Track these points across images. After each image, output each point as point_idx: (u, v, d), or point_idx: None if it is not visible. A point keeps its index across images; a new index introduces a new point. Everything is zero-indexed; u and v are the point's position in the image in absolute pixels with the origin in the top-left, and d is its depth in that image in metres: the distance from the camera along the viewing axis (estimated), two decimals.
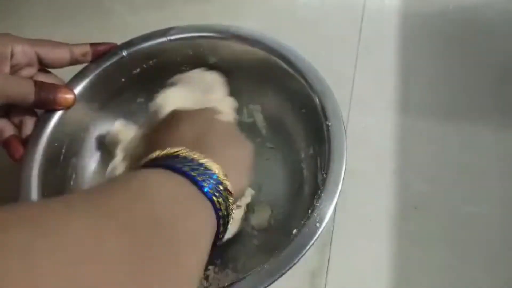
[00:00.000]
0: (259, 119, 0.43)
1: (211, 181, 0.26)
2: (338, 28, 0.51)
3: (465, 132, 0.43)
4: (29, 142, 0.35)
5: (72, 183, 0.38)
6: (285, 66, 0.38)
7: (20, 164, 0.35)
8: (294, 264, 0.29)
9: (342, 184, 0.32)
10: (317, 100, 0.35)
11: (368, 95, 0.46)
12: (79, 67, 0.39)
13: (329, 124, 0.34)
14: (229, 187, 0.27)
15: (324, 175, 0.32)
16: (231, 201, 0.27)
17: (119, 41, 0.40)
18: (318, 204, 0.31)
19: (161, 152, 0.27)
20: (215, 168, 0.26)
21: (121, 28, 0.53)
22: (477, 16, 0.51)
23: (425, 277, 0.36)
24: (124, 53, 0.39)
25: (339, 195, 0.31)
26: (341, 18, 0.52)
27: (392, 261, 0.37)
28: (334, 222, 0.39)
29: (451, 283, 0.36)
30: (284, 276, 0.29)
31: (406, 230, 0.38)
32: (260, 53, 0.39)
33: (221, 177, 0.26)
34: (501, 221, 0.38)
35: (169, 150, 0.27)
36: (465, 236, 0.38)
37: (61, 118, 0.37)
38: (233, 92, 0.41)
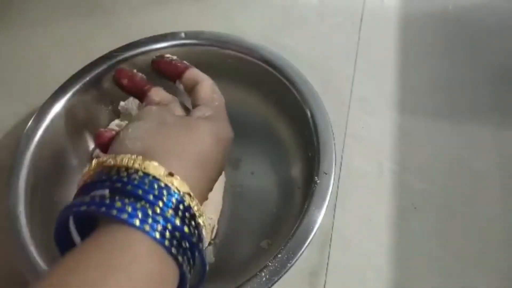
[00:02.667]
0: (251, 126, 0.42)
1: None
2: (338, 28, 0.51)
3: (464, 132, 0.43)
4: (17, 150, 0.35)
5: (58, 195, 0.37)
6: (279, 76, 0.38)
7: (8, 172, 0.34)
8: (281, 277, 0.29)
9: (330, 196, 0.32)
10: (308, 112, 0.36)
11: (368, 94, 0.46)
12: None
13: (319, 131, 0.35)
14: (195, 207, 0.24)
15: (315, 186, 0.33)
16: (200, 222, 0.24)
17: (117, 41, 0.40)
18: (304, 219, 0.31)
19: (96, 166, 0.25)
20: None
21: (120, 28, 0.53)
22: (477, 16, 0.51)
23: (424, 277, 0.36)
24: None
25: (327, 203, 0.32)
26: (341, 18, 0.52)
27: (391, 261, 0.37)
28: (334, 222, 0.39)
29: (450, 283, 0.36)
30: (283, 276, 0.29)
31: (406, 230, 0.38)
32: (254, 62, 0.39)
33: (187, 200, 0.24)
34: (501, 221, 0.38)
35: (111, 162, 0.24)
36: (464, 236, 0.38)
37: (48, 128, 0.36)
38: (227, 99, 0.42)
